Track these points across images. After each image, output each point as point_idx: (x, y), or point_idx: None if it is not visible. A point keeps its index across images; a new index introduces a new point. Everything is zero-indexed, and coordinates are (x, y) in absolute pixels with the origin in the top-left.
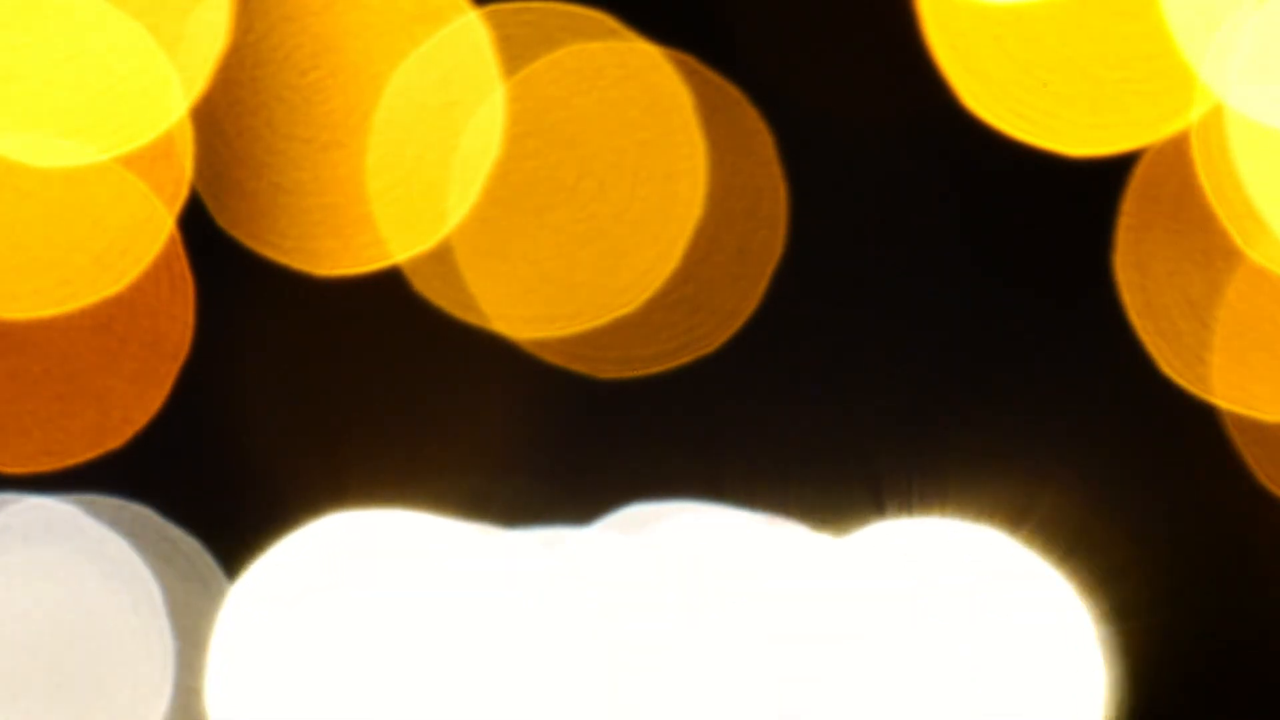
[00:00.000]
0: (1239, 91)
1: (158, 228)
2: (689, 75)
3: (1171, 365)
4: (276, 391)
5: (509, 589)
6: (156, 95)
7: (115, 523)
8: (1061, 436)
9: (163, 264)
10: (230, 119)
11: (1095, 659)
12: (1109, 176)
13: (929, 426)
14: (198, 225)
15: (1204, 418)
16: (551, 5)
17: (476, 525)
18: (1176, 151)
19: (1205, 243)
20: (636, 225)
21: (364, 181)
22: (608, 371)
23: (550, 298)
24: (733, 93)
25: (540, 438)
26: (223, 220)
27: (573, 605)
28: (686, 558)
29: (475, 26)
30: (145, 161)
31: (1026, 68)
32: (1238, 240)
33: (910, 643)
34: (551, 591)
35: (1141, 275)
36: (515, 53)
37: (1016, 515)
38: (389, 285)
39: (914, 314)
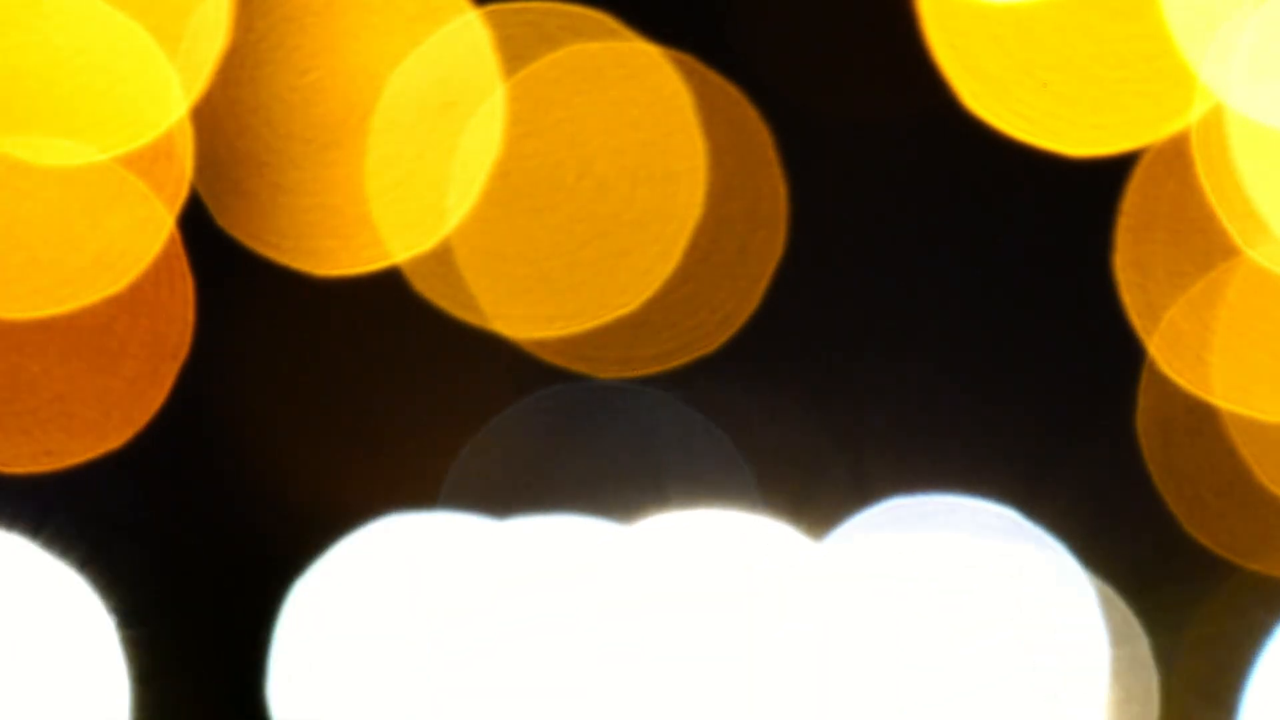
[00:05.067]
0: (1239, 91)
1: (158, 228)
2: (689, 75)
3: (1171, 365)
4: (276, 391)
5: (529, 586)
6: (156, 95)
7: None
8: (1061, 437)
9: (163, 264)
10: (230, 119)
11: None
12: (1109, 176)
13: (928, 426)
14: (198, 225)
15: (1204, 418)
16: (551, 5)
17: (492, 522)
18: (1176, 151)
19: (1205, 243)
20: (636, 225)
21: (364, 181)
22: (608, 371)
23: (550, 298)
24: (733, 93)
25: (539, 437)
26: (223, 220)
27: (578, 603)
28: (689, 557)
29: (475, 26)
30: (145, 161)
31: (1026, 68)
32: (1238, 240)
33: (919, 643)
34: (561, 590)
35: (1141, 275)
36: (515, 53)
37: (1020, 516)
38: (389, 285)
39: (914, 314)
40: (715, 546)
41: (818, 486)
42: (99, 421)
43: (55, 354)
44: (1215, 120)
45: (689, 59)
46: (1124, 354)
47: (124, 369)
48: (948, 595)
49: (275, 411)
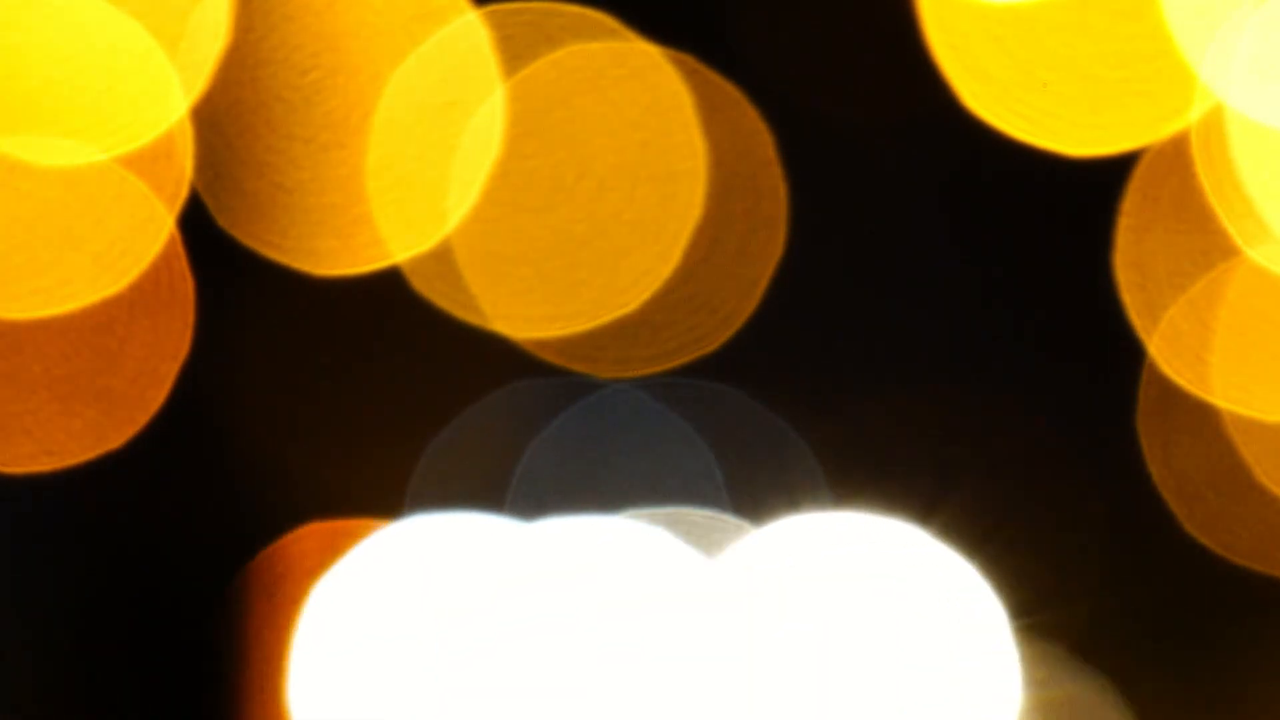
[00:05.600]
0: (1239, 91)
1: (158, 228)
2: (689, 75)
3: (1171, 365)
4: (277, 391)
5: (544, 589)
6: (156, 95)
7: None
8: (1060, 437)
9: (163, 264)
10: (230, 119)
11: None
12: (1109, 176)
13: (928, 426)
14: (198, 225)
15: (1204, 418)
16: (551, 5)
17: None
18: (1176, 151)
19: (1205, 243)
20: (636, 225)
21: (364, 181)
22: (608, 371)
23: (550, 298)
24: (733, 93)
25: (539, 437)
26: (223, 220)
27: (578, 602)
28: (686, 556)
29: (475, 26)
30: (145, 161)
31: (1026, 68)
32: (1238, 240)
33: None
34: (563, 589)
35: (1141, 275)
36: (515, 53)
37: (1030, 520)
38: (389, 285)
39: (913, 314)
40: (708, 546)
41: (815, 488)
42: (99, 421)
43: (55, 354)
44: (1215, 120)
45: (689, 59)
46: (1124, 354)
47: (124, 369)
48: (934, 601)
49: (275, 411)
